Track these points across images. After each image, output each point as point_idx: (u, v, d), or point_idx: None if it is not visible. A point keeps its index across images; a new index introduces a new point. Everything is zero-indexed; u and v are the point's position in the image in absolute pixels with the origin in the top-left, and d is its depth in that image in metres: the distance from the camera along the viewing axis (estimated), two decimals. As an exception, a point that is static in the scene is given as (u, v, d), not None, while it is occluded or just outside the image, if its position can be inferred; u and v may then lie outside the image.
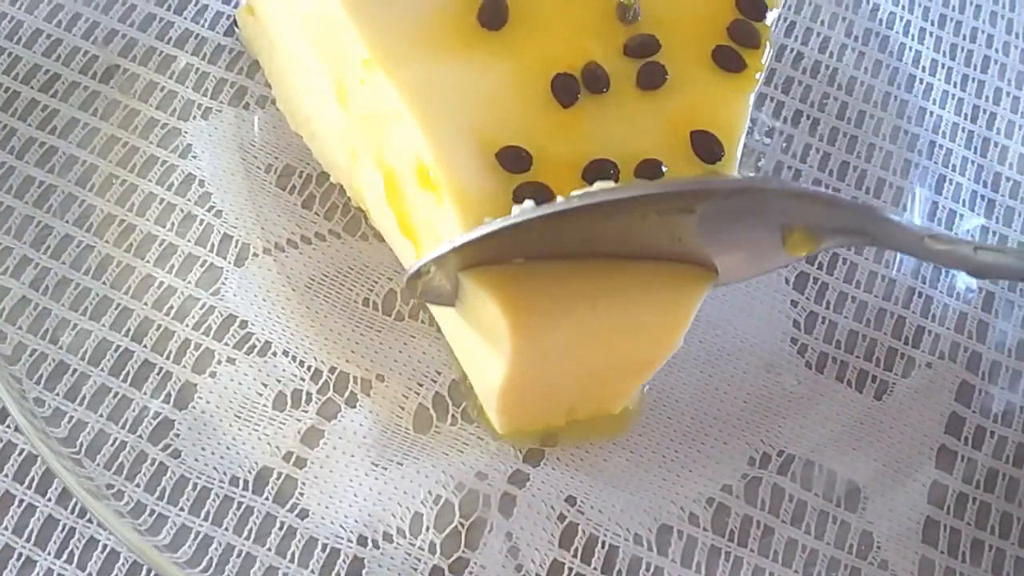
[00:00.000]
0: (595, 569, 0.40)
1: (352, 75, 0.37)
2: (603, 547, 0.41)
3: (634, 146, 0.34)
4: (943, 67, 0.53)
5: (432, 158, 0.34)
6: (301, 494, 0.40)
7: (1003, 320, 0.47)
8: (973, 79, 0.53)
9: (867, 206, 0.39)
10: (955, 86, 0.53)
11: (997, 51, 0.54)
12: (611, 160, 0.34)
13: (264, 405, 0.41)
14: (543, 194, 0.33)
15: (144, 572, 0.39)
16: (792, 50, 0.52)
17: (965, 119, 0.52)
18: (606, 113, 0.35)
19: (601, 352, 0.37)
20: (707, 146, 0.35)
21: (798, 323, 0.46)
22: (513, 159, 0.33)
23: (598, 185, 0.32)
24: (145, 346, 0.42)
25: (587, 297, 0.34)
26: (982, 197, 0.50)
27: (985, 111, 0.52)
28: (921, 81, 0.52)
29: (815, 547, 0.42)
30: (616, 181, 0.34)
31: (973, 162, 0.51)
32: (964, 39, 0.54)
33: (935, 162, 0.50)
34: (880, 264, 0.48)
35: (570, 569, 0.40)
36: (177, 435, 0.40)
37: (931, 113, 0.52)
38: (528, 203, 0.32)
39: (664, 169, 0.34)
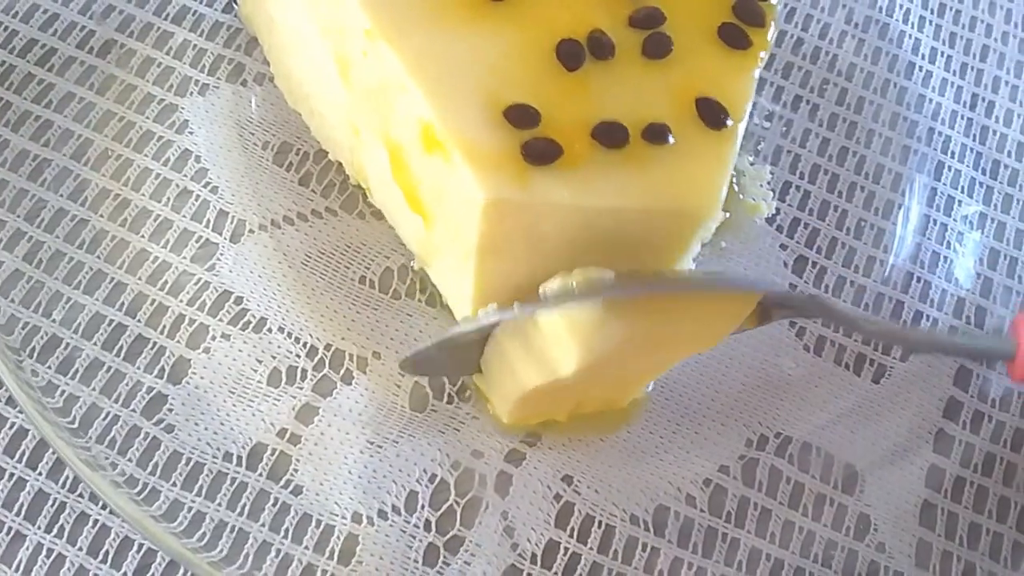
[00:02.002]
0: (591, 549, 0.40)
1: (354, 47, 0.37)
2: (599, 527, 0.40)
3: (641, 110, 0.34)
4: (942, 55, 0.53)
5: (437, 118, 0.33)
6: (295, 471, 0.40)
7: (1001, 306, 0.47)
8: (972, 67, 0.53)
9: (815, 298, 0.44)
10: (954, 74, 0.53)
11: (996, 40, 0.54)
12: (620, 123, 0.34)
13: (259, 381, 0.41)
14: (551, 149, 0.33)
15: (135, 547, 0.38)
16: (792, 36, 0.52)
17: (964, 107, 0.52)
18: (612, 78, 0.35)
19: (637, 360, 0.37)
20: (713, 113, 0.35)
21: (796, 306, 0.46)
22: (521, 115, 0.33)
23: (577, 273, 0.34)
24: (139, 321, 0.41)
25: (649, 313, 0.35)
26: (980, 184, 0.50)
27: (984, 99, 0.52)
28: (920, 68, 0.52)
29: (812, 529, 0.41)
30: (626, 143, 0.34)
31: (972, 149, 0.51)
32: (963, 28, 0.54)
33: (934, 148, 0.50)
34: (879, 249, 0.48)
35: (566, 549, 0.40)
36: (171, 410, 0.40)
37: (930, 100, 0.52)
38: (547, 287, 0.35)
39: (671, 135, 0.34)
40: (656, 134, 0.34)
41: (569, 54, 0.35)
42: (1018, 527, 0.43)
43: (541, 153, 0.33)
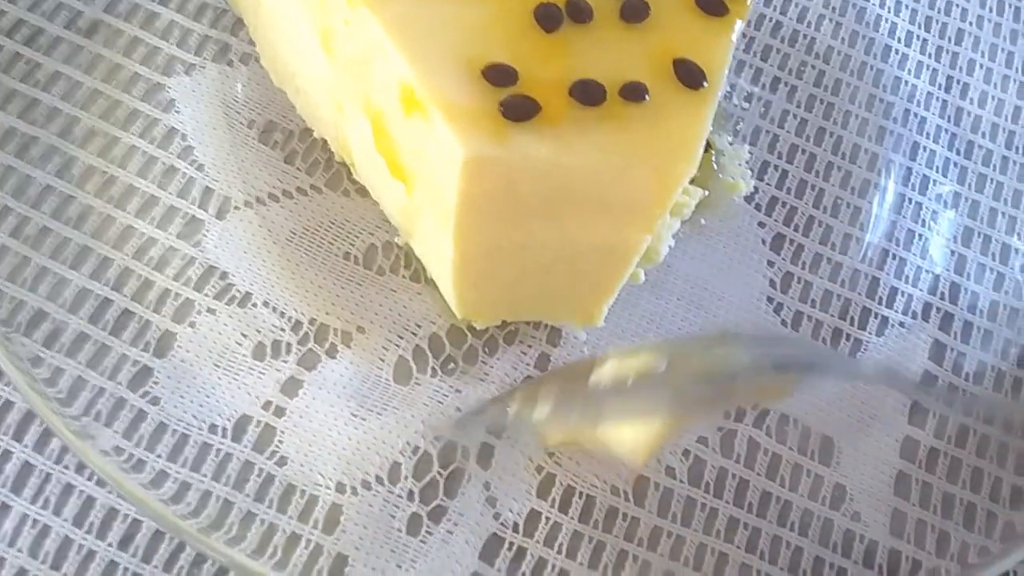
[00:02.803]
0: (572, 519, 0.41)
1: (336, 18, 0.37)
2: (580, 498, 0.41)
3: (618, 70, 0.35)
4: (918, 38, 0.54)
5: (417, 78, 0.34)
6: (280, 442, 0.40)
7: (975, 282, 0.48)
8: (947, 50, 0.54)
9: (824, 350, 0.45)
10: (929, 56, 0.53)
11: (970, 23, 0.55)
12: (597, 81, 0.34)
13: (244, 355, 0.41)
14: (529, 106, 0.33)
15: (120, 518, 0.39)
16: (771, 19, 0.53)
17: (939, 88, 0.53)
18: (589, 40, 0.36)
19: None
20: (690, 73, 0.35)
21: (774, 283, 0.47)
22: (499, 74, 0.34)
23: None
24: (125, 295, 0.42)
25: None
26: (955, 164, 0.51)
27: (959, 81, 0.53)
28: (896, 51, 0.53)
29: (789, 499, 0.42)
30: (603, 101, 0.34)
31: (946, 130, 0.52)
32: (938, 11, 0.55)
33: (909, 129, 0.51)
34: (855, 227, 0.48)
35: (547, 519, 0.41)
36: (156, 383, 0.40)
37: (906, 82, 0.52)
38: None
39: (648, 94, 0.35)
40: (633, 92, 0.35)
41: (547, 16, 0.35)
42: (991, 497, 0.43)
43: (519, 110, 0.34)
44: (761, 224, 0.48)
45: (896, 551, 0.42)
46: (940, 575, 0.41)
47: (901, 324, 0.46)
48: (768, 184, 0.49)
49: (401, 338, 0.43)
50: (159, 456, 0.39)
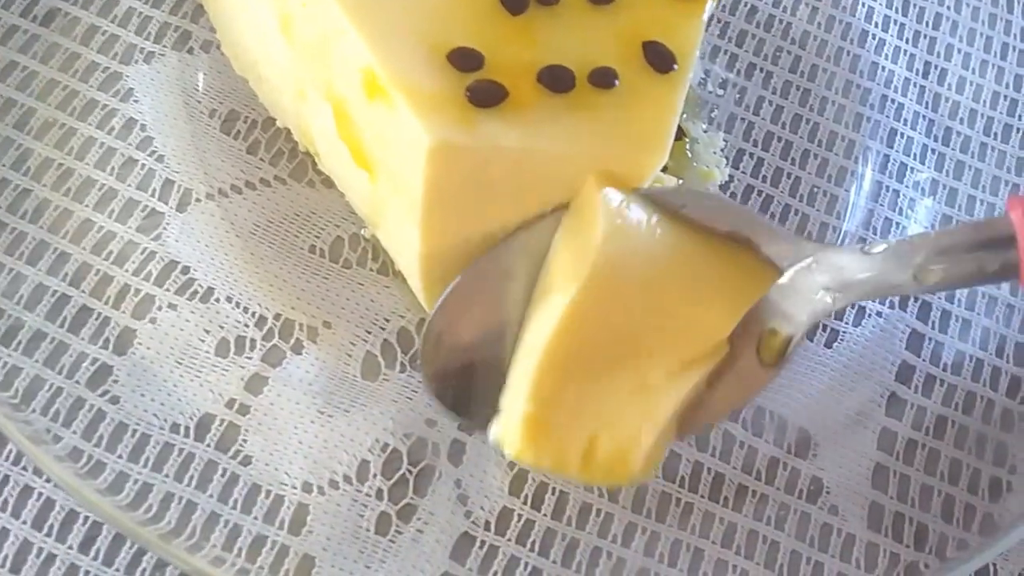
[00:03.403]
0: (545, 516, 0.40)
1: (295, 2, 0.36)
2: (553, 494, 0.40)
3: (587, 54, 0.35)
4: (895, 23, 0.53)
5: (379, 63, 0.33)
6: (244, 441, 0.39)
7: (953, 271, 0.47)
8: (924, 35, 0.53)
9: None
10: (907, 42, 0.53)
11: (948, 8, 0.54)
12: (566, 67, 0.33)
13: (206, 351, 0.40)
14: (496, 91, 0.32)
15: (80, 520, 0.38)
16: (746, 4, 0.52)
17: (916, 74, 0.52)
18: (557, 23, 0.35)
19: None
20: (660, 57, 0.35)
21: (750, 273, 0.46)
22: (464, 58, 0.33)
23: None
24: (83, 291, 0.41)
25: None
26: (933, 151, 0.50)
27: (936, 67, 0.52)
28: (874, 37, 0.52)
29: (765, 492, 0.41)
30: (572, 87, 0.34)
31: (924, 116, 0.51)
32: (916, -4, 0.54)
33: (887, 116, 0.51)
34: (832, 216, 0.48)
35: (520, 516, 0.40)
36: (116, 381, 0.39)
37: (883, 68, 0.52)
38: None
39: (617, 79, 0.34)
40: (603, 78, 0.34)
41: (513, -1, 0.34)
42: (969, 489, 0.43)
43: (486, 95, 0.33)
44: (737, 213, 0.47)
45: (874, 544, 0.41)
46: (919, 569, 0.41)
47: (878, 314, 0.46)
48: (743, 172, 0.48)
49: (369, 333, 0.42)
50: (119, 457, 0.38)
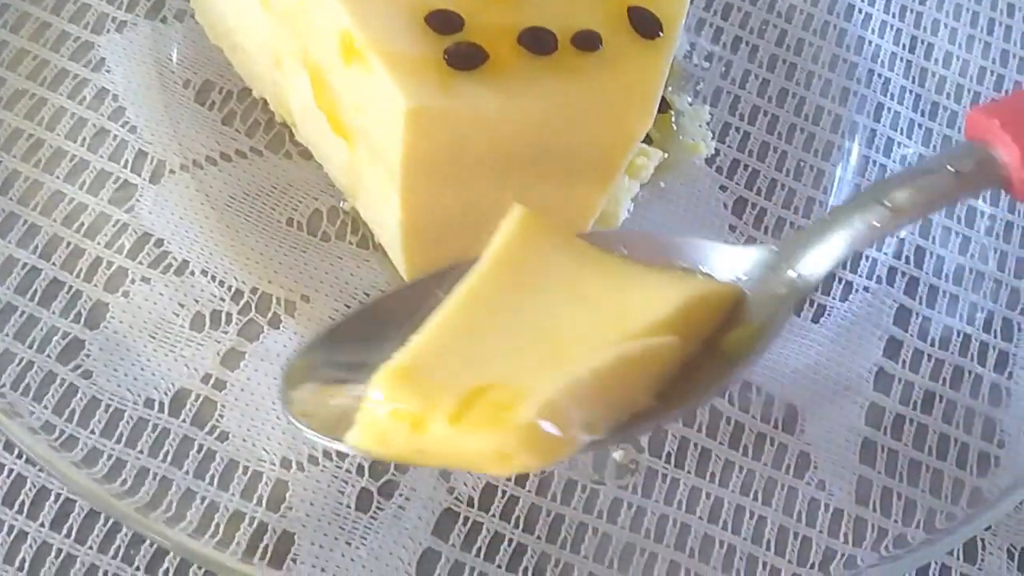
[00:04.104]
0: (529, 491, 0.39)
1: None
2: (539, 470, 0.40)
3: (570, 17, 0.34)
4: (882, -3, 0.53)
5: (356, 25, 0.32)
6: (221, 416, 0.38)
7: (940, 246, 0.47)
8: (911, 9, 0.53)
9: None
10: (894, 16, 0.52)
11: (935, -18, 0.54)
12: (548, 28, 0.33)
13: (181, 326, 0.40)
14: (476, 54, 0.32)
15: (52, 497, 0.37)
16: (731, -23, 0.52)
17: (903, 49, 0.52)
18: None
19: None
20: (646, 22, 0.34)
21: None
22: (442, 20, 0.33)
23: None
24: (54, 264, 0.40)
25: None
26: (919, 126, 0.50)
27: (923, 41, 0.52)
28: (860, 11, 0.52)
29: (752, 468, 0.41)
30: (555, 50, 0.33)
31: (911, 91, 0.51)
32: (902, -30, 0.54)
33: (874, 91, 0.50)
34: (818, 190, 0.47)
35: (503, 491, 0.39)
36: (88, 355, 0.38)
37: (870, 42, 0.51)
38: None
39: (602, 43, 0.33)
40: (586, 40, 0.33)
41: (494, -41, 0.34)
42: (958, 464, 0.42)
43: (465, 58, 0.32)
44: (723, 187, 0.46)
45: (862, 519, 0.41)
46: (907, 542, 0.40)
47: (866, 289, 0.45)
48: (729, 146, 0.47)
49: (348, 307, 0.41)
50: (92, 432, 0.37)
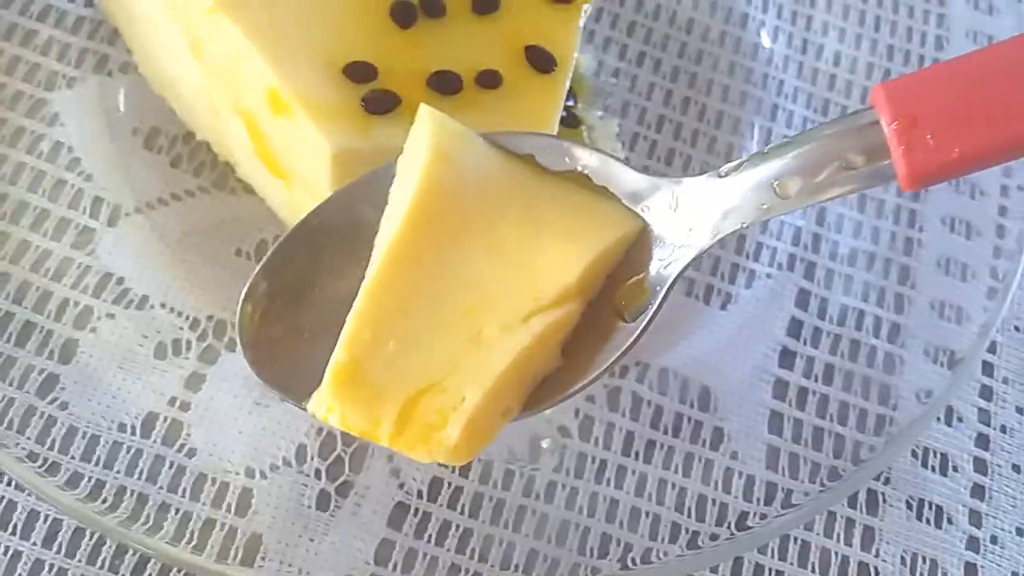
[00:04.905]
0: (472, 481, 0.43)
1: (200, 25, 0.39)
2: (479, 461, 0.44)
3: (473, 59, 0.38)
4: (774, 4, 0.57)
5: (280, 80, 0.36)
6: (188, 434, 0.42)
7: (835, 232, 0.51)
8: (801, 14, 0.57)
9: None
10: (785, 21, 0.56)
11: (822, -13, 0.58)
12: (453, 71, 0.37)
13: (146, 355, 0.43)
14: (390, 99, 0.36)
15: (42, 519, 0.41)
16: (634, -4, 0.56)
17: (796, 51, 0.56)
18: (444, 33, 0.38)
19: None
20: (541, 59, 0.38)
21: (650, 246, 0.50)
22: (359, 71, 0.36)
23: None
24: (26, 307, 0.43)
25: None
26: (813, 122, 0.54)
27: (813, 43, 0.56)
28: (754, 19, 0.56)
29: (672, 444, 0.45)
30: (460, 89, 0.37)
31: (803, 91, 0.55)
32: (791, -22, 0.58)
33: (769, 92, 0.54)
34: (723, 188, 0.52)
35: (449, 483, 0.43)
36: (63, 388, 0.42)
37: (764, 47, 0.56)
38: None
39: (502, 80, 0.37)
40: (488, 79, 0.37)
41: (402, 13, 0.38)
42: (858, 428, 0.47)
43: (380, 103, 0.36)
44: (635, 192, 0.51)
45: (772, 483, 0.45)
46: (812, 499, 0.44)
47: (768, 276, 0.50)
48: (639, 155, 0.52)
49: (298, 326, 0.45)
50: (72, 458, 0.41)
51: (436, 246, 0.33)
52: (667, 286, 0.33)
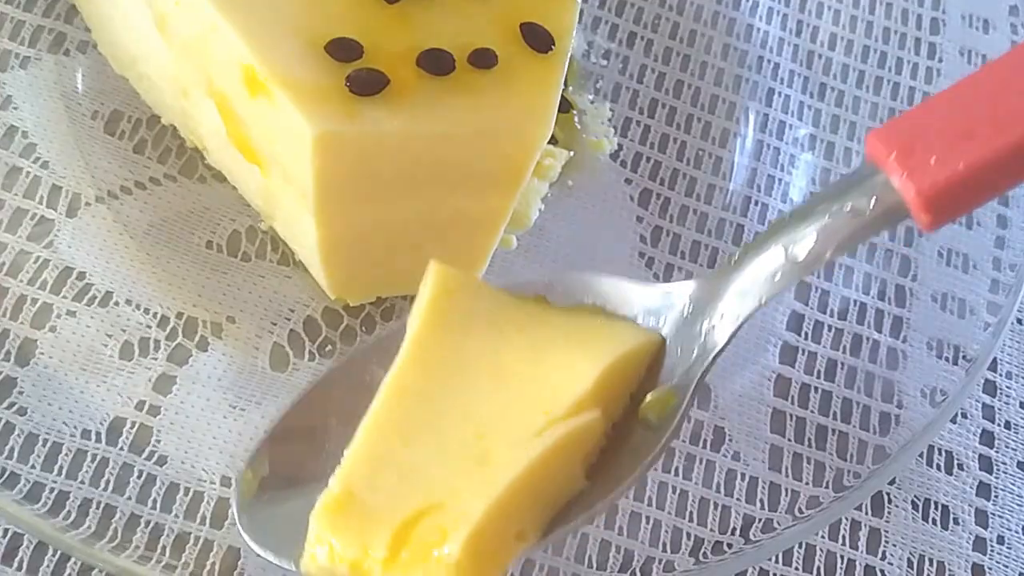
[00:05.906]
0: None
1: (167, -2, 0.36)
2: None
3: (465, 38, 0.35)
4: (766, -16, 0.55)
5: (257, 58, 0.33)
6: (158, 441, 0.39)
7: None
8: (794, -6, 0.55)
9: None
10: (779, 2, 0.55)
11: (816, -33, 0.56)
12: (445, 50, 0.34)
13: (111, 356, 0.40)
14: (377, 79, 0.33)
15: (0, 532, 0.38)
16: (623, -26, 0.53)
17: (790, 33, 0.54)
18: (434, 9, 0.36)
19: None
20: (538, 37, 0.36)
21: (644, 237, 0.47)
22: (342, 48, 0.34)
23: None
24: (-23, 305, 0.40)
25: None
26: (809, 107, 0.52)
27: (808, 25, 0.54)
28: (747, -1, 0.54)
29: (672, 445, 0.43)
30: (452, 70, 0.34)
31: (799, 74, 0.53)
32: (785, -43, 0.56)
33: (764, 76, 0.52)
34: (718, 176, 0.50)
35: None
36: (21, 392, 0.39)
37: (758, 29, 0.54)
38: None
39: (497, 59, 0.35)
40: (482, 58, 0.35)
41: (388, -14, 0.35)
42: (861, 426, 0.45)
43: (366, 84, 0.33)
44: (628, 180, 0.48)
45: (776, 485, 0.43)
46: (818, 502, 0.43)
47: (767, 268, 0.48)
48: (632, 140, 0.49)
49: (275, 324, 0.42)
50: (32, 467, 0.38)
51: (439, 377, 0.32)
52: (693, 386, 0.33)
